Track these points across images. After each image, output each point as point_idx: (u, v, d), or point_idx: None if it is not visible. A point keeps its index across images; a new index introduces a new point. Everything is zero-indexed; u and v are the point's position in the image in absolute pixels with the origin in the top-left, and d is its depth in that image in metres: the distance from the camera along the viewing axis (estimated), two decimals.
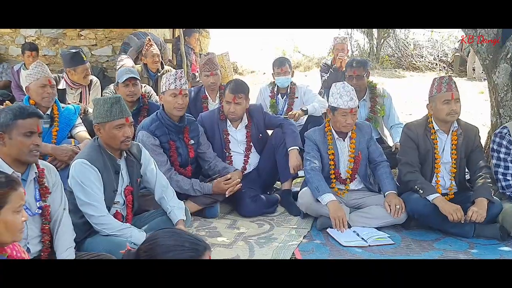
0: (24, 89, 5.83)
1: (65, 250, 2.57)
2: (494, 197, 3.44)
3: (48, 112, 3.84)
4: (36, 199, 2.53)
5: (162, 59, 5.90)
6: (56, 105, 3.91)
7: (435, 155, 3.57)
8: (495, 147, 3.56)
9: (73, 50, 5.03)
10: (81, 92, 5.00)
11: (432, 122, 3.60)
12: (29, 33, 7.02)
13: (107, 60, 6.97)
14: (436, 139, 3.59)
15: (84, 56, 4.99)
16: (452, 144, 3.58)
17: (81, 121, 4.11)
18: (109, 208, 2.92)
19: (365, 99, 4.66)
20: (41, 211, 2.54)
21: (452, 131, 3.60)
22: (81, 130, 3.99)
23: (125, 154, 3.02)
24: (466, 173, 3.71)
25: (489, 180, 3.46)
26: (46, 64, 4.25)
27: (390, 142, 4.74)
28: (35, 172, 2.55)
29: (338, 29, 12.43)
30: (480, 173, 3.50)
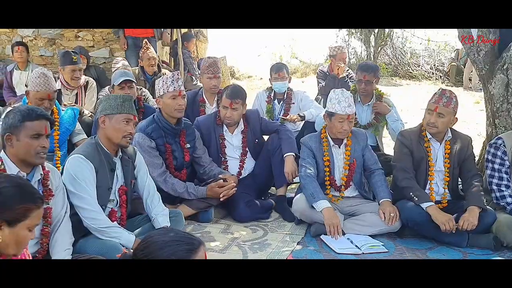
0: (14, 90, 5.82)
1: (62, 251, 2.55)
2: (488, 206, 3.45)
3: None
4: None
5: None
6: (56, 109, 3.86)
7: (429, 162, 3.58)
8: (489, 157, 3.56)
9: (64, 50, 4.96)
10: (77, 93, 4.97)
11: (425, 130, 3.62)
12: (26, 33, 6.99)
13: (104, 62, 6.95)
14: (430, 147, 3.61)
15: (74, 57, 4.83)
16: (445, 153, 3.60)
17: (81, 127, 4.07)
18: (104, 207, 2.90)
19: (370, 104, 4.60)
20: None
21: (446, 140, 3.61)
22: (82, 138, 3.97)
23: (120, 154, 3.02)
24: (459, 183, 3.72)
25: (481, 189, 3.48)
26: (43, 65, 4.20)
27: (386, 150, 4.73)
28: (40, 174, 2.55)
29: (335, 37, 12.53)
30: (472, 182, 3.52)
